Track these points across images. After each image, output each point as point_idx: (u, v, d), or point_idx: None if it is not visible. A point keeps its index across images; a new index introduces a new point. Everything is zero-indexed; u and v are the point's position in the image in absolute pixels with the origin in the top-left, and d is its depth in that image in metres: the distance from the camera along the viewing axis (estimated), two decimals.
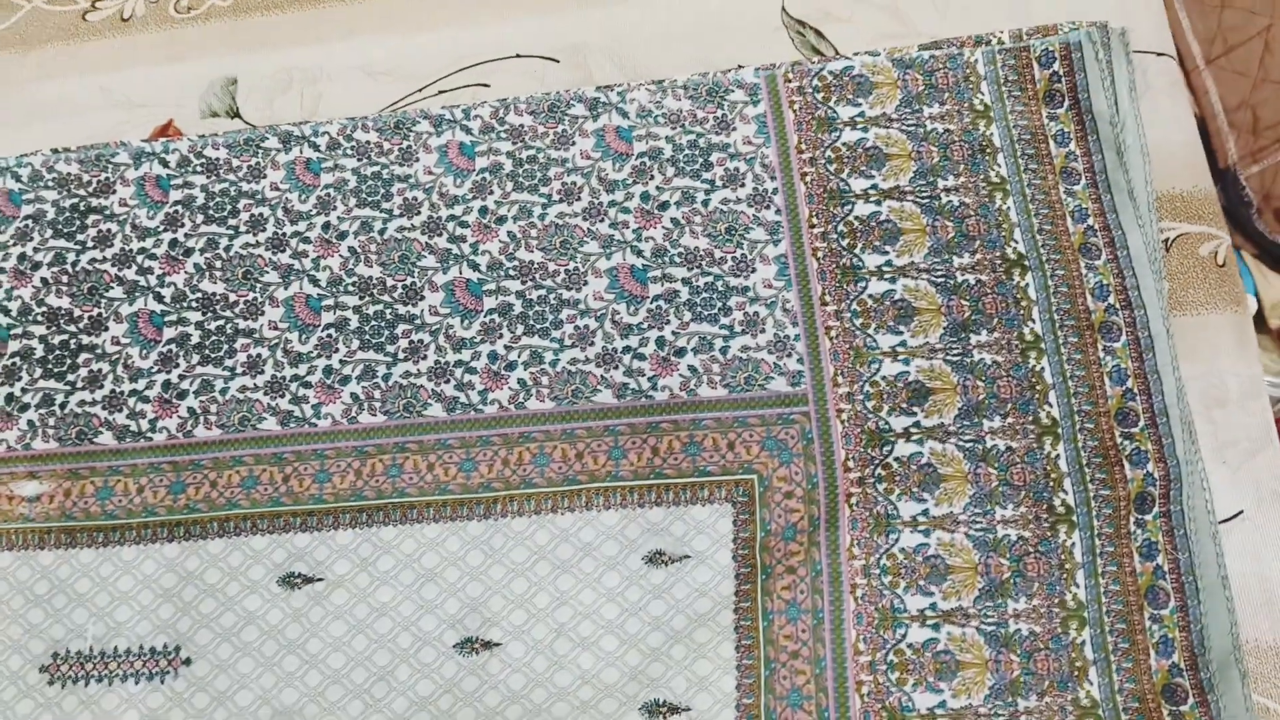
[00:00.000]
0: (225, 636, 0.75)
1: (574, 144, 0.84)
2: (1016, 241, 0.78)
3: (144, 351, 0.82)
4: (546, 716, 0.70)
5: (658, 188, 0.82)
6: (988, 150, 0.80)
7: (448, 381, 0.79)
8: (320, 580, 0.75)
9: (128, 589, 0.76)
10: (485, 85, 0.87)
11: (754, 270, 0.79)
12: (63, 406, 0.81)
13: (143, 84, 0.91)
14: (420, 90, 0.88)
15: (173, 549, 0.77)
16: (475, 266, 0.82)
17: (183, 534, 0.77)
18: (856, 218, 0.80)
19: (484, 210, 0.83)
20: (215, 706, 0.73)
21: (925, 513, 0.72)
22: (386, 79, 0.88)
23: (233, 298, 0.83)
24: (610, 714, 0.70)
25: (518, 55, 0.88)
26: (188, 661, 0.74)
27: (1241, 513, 0.72)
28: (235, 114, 0.90)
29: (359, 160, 0.86)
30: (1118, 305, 0.75)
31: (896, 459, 0.73)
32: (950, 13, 0.85)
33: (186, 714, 0.73)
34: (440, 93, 0.88)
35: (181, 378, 0.81)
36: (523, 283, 0.81)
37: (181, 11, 0.94)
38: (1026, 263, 0.77)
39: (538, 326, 0.80)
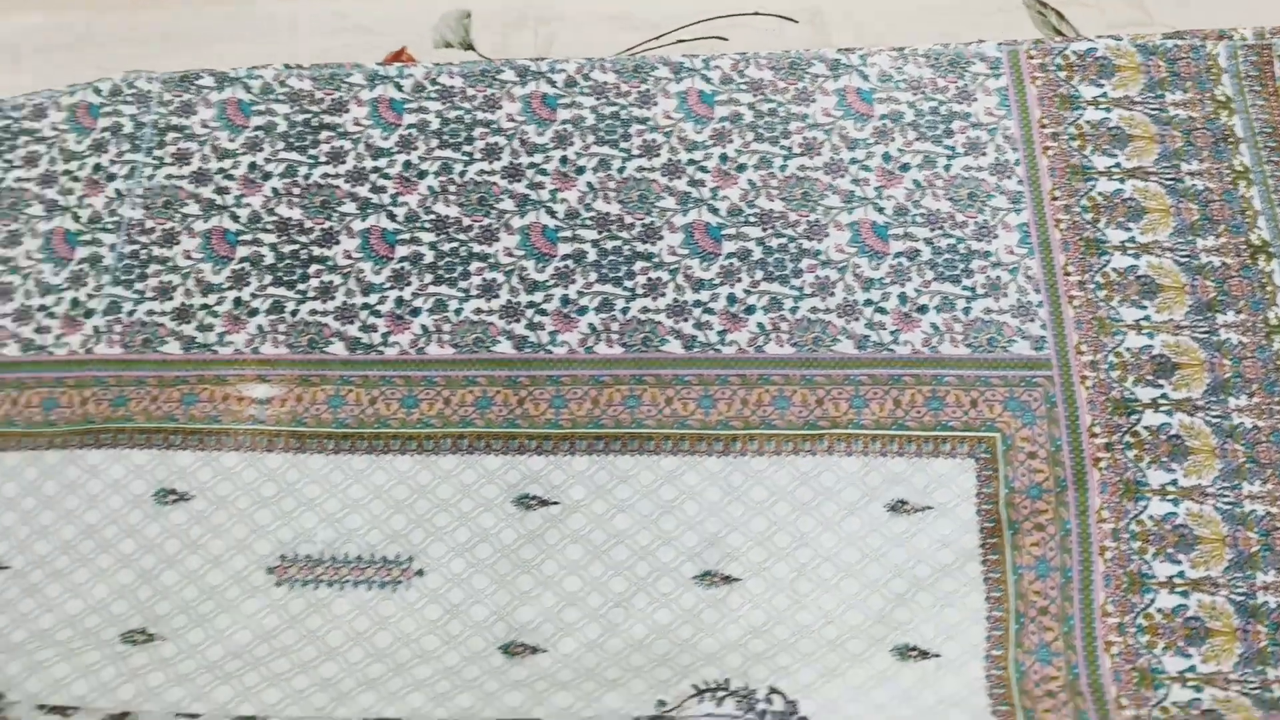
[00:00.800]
0: (459, 551, 0.74)
1: (814, 101, 0.85)
2: (1260, 229, 0.79)
3: (377, 267, 0.82)
4: (792, 652, 0.70)
5: (899, 149, 0.83)
6: (1230, 139, 0.82)
7: (686, 320, 0.79)
8: (556, 504, 0.75)
9: (358, 497, 0.76)
10: (723, 39, 0.88)
11: (996, 236, 0.80)
12: (293, 314, 0.81)
13: (376, 10, 0.91)
14: (657, 38, 0.89)
15: (405, 461, 0.77)
16: (715, 211, 0.82)
17: (415, 448, 0.77)
18: (1100, 193, 0.81)
19: (724, 157, 0.84)
20: (449, 619, 0.73)
21: (1174, 483, 0.73)
22: (622, 24, 0.89)
23: (466, 221, 0.83)
24: (859, 654, 0.70)
25: (756, 13, 0.89)
26: (420, 573, 0.74)
27: None
28: (469, 46, 0.90)
29: (597, 99, 0.86)
30: None
31: (1145, 428, 0.74)
32: (1192, 6, 0.87)
33: (419, 624, 0.73)
34: (678, 42, 0.89)
35: (415, 295, 0.81)
36: (763, 230, 0.81)
37: None
38: (1271, 250, 0.78)
39: (777, 274, 0.80)
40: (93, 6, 0.93)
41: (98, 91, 0.89)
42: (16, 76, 0.90)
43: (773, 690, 0.68)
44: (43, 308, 0.82)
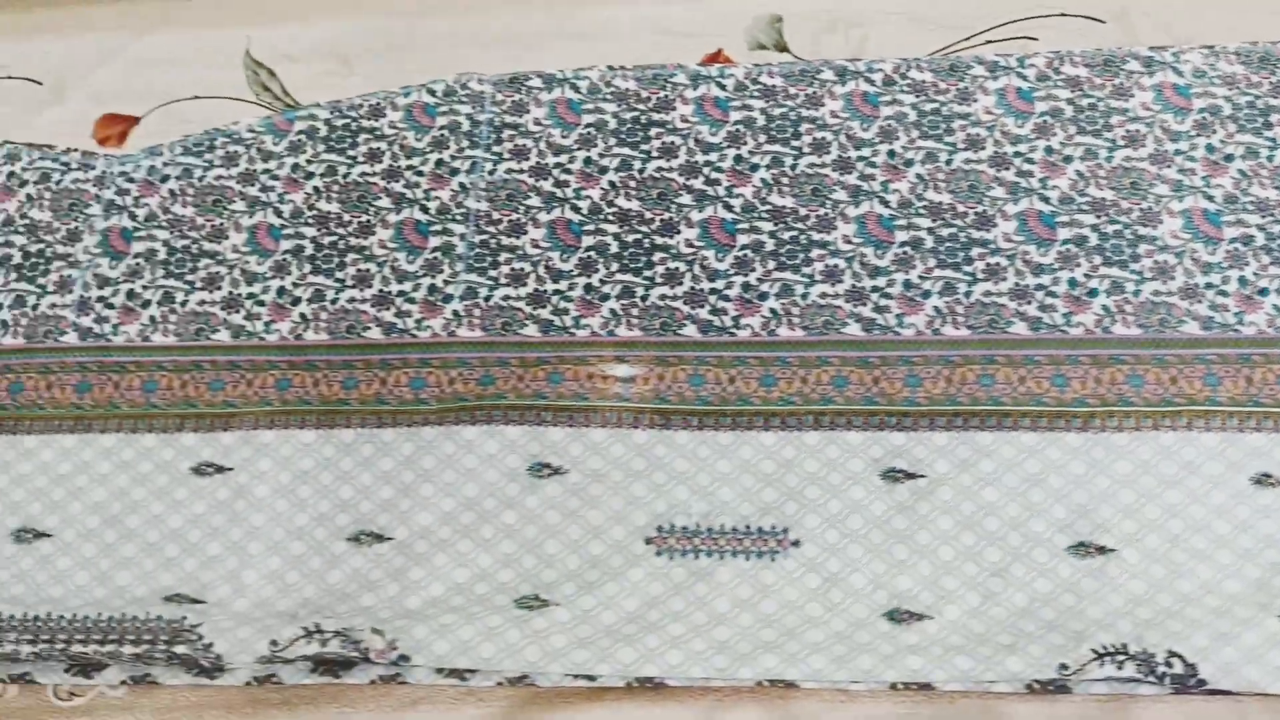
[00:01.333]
0: (832, 522, 0.76)
1: (1132, 96, 0.88)
2: None
3: (719, 255, 0.85)
4: (1181, 618, 0.72)
5: (1221, 141, 0.86)
6: None
7: (1029, 303, 0.82)
8: (922, 477, 0.77)
9: (726, 471, 0.79)
10: (1033, 39, 0.92)
11: None
12: (644, 299, 0.84)
13: (687, 16, 0.96)
14: (967, 39, 0.92)
15: (769, 437, 0.79)
16: (1046, 200, 0.85)
17: (778, 424, 0.80)
18: None
19: (1049, 150, 0.87)
20: (829, 587, 0.75)
21: None
22: (932, 26, 0.93)
23: (803, 211, 0.86)
24: (1247, 619, 0.71)
25: (1063, 14, 0.93)
26: (796, 543, 0.76)
27: None
28: (783, 49, 0.94)
29: (916, 97, 0.90)
30: None
31: None
32: None
33: (800, 592, 0.75)
34: (988, 43, 0.92)
35: (759, 281, 0.84)
36: (1096, 217, 0.84)
37: None
38: None
39: (1115, 258, 0.83)
40: (415, 13, 0.98)
41: (432, 93, 0.93)
42: (347, 79, 0.95)
43: (1171, 654, 0.70)
44: (401, 293, 0.86)
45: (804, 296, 0.83)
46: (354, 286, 0.86)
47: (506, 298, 0.85)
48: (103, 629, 0.75)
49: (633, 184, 0.88)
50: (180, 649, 0.74)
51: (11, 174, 0.93)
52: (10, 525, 0.80)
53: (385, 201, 0.89)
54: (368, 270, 0.87)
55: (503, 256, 0.87)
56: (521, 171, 0.90)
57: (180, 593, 0.77)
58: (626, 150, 0.90)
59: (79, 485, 0.81)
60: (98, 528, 0.79)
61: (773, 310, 0.83)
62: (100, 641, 0.74)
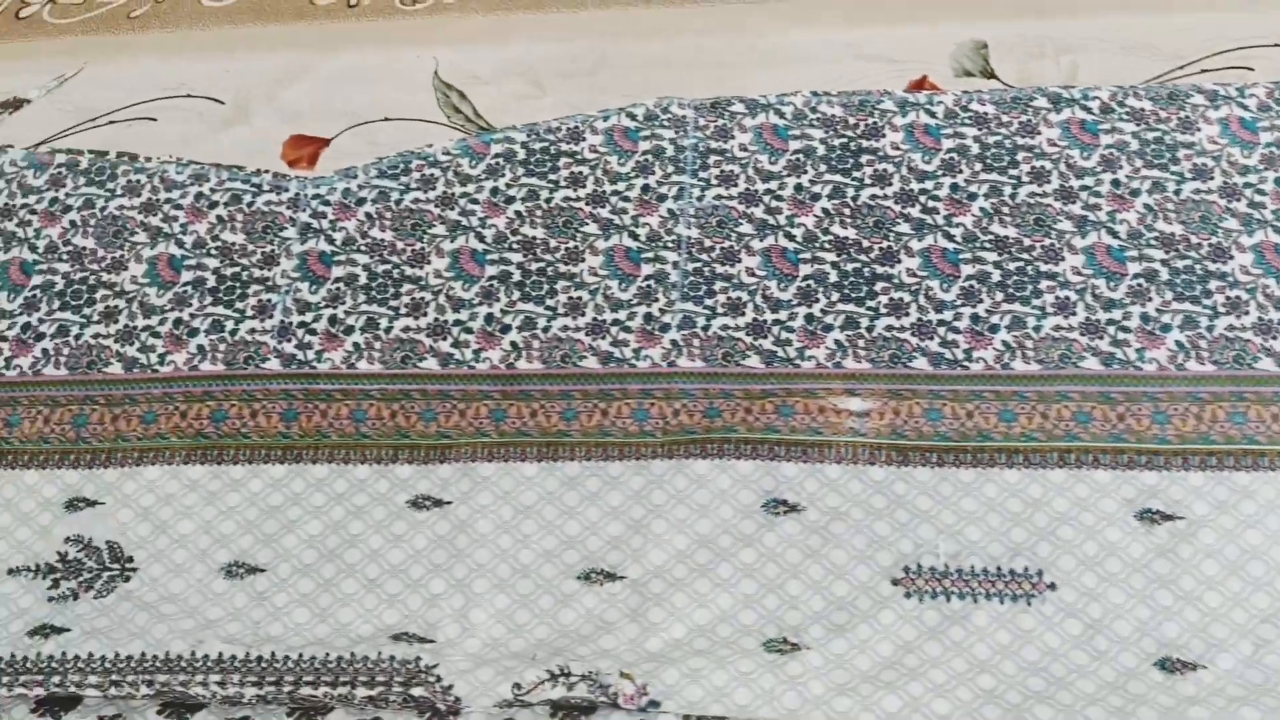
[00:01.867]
0: (1089, 565, 0.73)
1: None
2: None
3: (943, 285, 0.83)
4: None
5: None
6: None
7: (1275, 338, 0.79)
8: (1181, 519, 0.74)
9: (971, 510, 0.75)
10: (1249, 69, 0.90)
11: None
12: (869, 330, 0.82)
13: (887, 41, 0.93)
14: (1181, 68, 0.90)
15: (1012, 474, 0.76)
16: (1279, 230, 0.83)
17: (1021, 461, 0.77)
18: None
19: (1278, 180, 0.84)
20: (1092, 634, 0.71)
21: None
22: (1144, 54, 0.91)
23: (1027, 241, 0.84)
24: None
25: (1275, 45, 0.90)
26: (1052, 586, 0.73)
27: None
28: (990, 75, 0.92)
29: (1137, 125, 0.87)
30: None
31: None
32: None
33: (1062, 639, 0.71)
34: (1202, 71, 0.90)
35: (988, 312, 0.81)
36: None
37: None
38: None
39: None
40: (605, 35, 0.96)
41: (632, 116, 0.91)
42: (538, 101, 0.93)
43: None
44: (616, 322, 0.83)
45: (1037, 329, 0.81)
46: (566, 314, 0.83)
47: (725, 327, 0.82)
48: (333, 670, 0.72)
49: (847, 211, 0.86)
50: (417, 691, 0.70)
51: (200, 194, 0.90)
52: (220, 560, 0.77)
53: (592, 227, 0.87)
54: (580, 298, 0.84)
55: (718, 285, 0.84)
56: (731, 198, 0.87)
57: (408, 631, 0.73)
58: (838, 177, 0.87)
59: (292, 518, 0.78)
60: (315, 562, 0.76)
61: (1005, 343, 0.80)
62: (331, 683, 0.71)
